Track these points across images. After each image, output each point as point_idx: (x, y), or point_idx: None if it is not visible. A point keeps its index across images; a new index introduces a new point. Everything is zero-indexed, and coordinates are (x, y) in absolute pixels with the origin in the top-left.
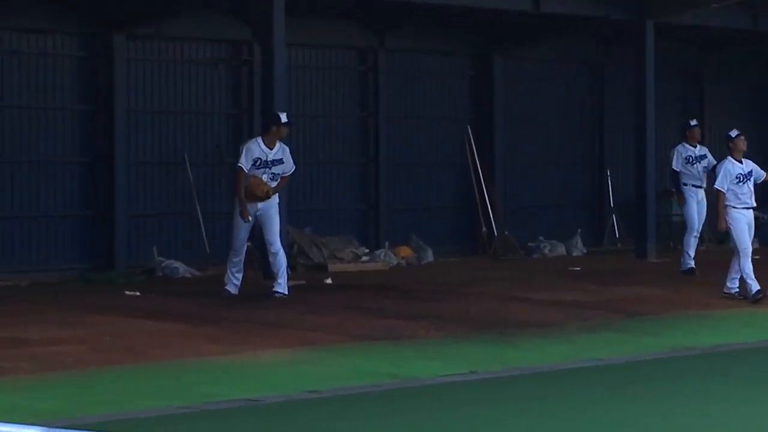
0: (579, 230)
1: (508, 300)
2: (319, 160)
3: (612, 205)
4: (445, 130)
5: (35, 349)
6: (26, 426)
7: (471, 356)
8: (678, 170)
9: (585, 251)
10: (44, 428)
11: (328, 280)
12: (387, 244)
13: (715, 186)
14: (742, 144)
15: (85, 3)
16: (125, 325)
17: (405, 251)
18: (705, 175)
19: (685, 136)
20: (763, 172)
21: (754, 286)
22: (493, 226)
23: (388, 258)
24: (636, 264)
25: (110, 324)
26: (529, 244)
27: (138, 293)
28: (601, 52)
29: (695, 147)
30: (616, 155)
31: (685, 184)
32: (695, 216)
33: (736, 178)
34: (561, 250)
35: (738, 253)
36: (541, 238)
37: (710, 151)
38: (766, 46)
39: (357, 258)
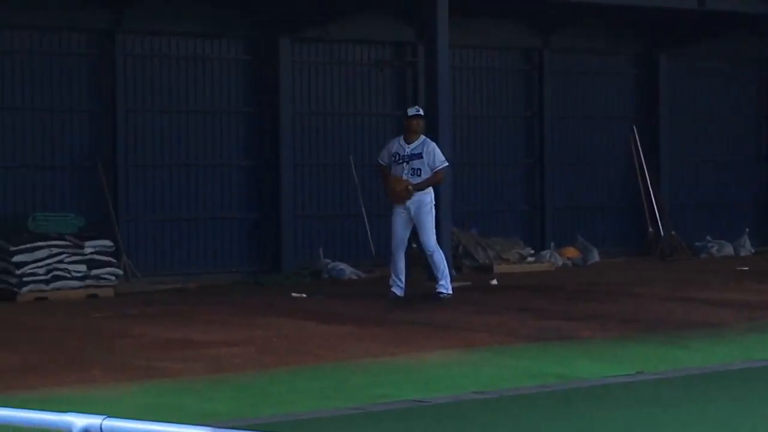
0: (747, 230)
1: (675, 300)
2: (484, 161)
3: None
4: (610, 129)
5: (204, 351)
6: (195, 426)
7: (638, 357)
8: None
9: (753, 251)
10: (213, 428)
11: (494, 281)
12: (552, 244)
13: None
14: None
15: (251, 7)
16: (293, 327)
17: (571, 252)
18: None
19: None
20: None
21: None
22: (660, 226)
23: (553, 259)
24: None
25: (278, 326)
26: (696, 244)
27: (304, 295)
28: (767, 48)
29: None
30: None
31: None
32: None
33: None
34: (729, 250)
35: None
36: (709, 238)
37: None
38: None
39: (522, 259)
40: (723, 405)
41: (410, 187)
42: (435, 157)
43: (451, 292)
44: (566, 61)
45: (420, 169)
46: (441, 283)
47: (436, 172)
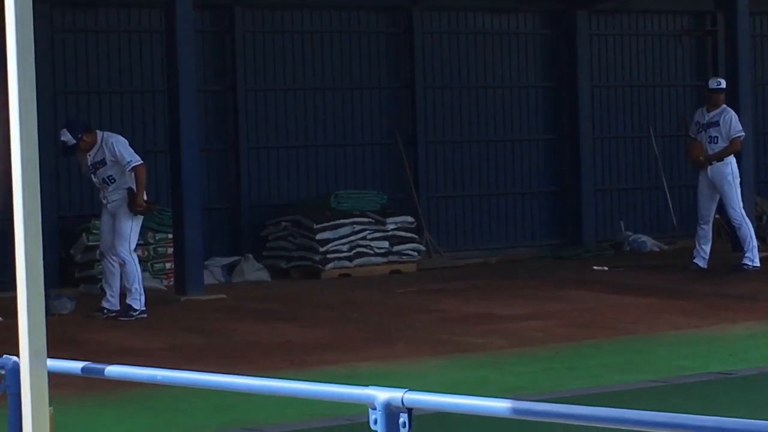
0: None
1: None
2: None
3: None
4: None
5: (506, 325)
6: (498, 399)
7: None
8: None
9: None
10: (517, 402)
11: None
12: None
13: None
14: None
15: None
16: (594, 300)
17: None
18: None
19: None
20: None
21: None
22: None
23: None
24: None
25: (579, 299)
26: None
27: (606, 268)
28: None
29: None
30: None
31: None
32: None
33: None
34: None
35: None
36: None
37: None
38: None
39: None
40: None
41: (702, 158)
42: (732, 126)
43: (757, 264)
44: None
45: (717, 137)
46: (747, 255)
47: (732, 141)
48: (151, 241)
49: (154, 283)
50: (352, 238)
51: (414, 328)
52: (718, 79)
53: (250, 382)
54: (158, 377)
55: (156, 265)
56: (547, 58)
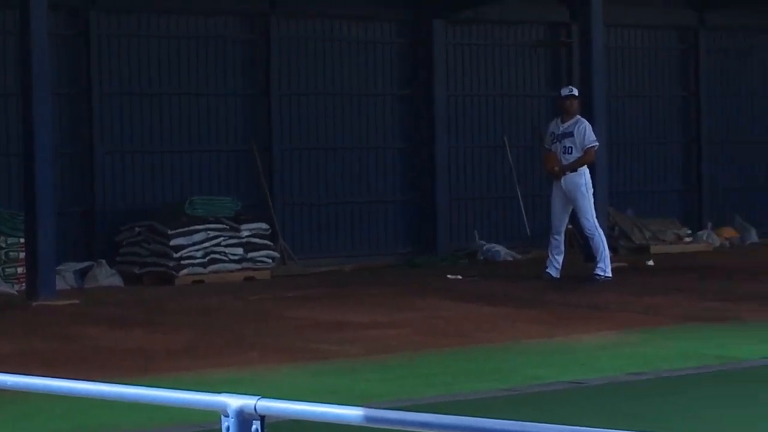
0: None
1: None
2: (639, 140)
3: None
4: None
5: (361, 332)
6: (351, 407)
7: None
8: None
9: None
10: (369, 409)
11: (650, 262)
12: (710, 224)
13: None
14: None
15: None
16: (448, 309)
17: (728, 232)
18: None
19: None
20: None
21: None
22: None
23: (711, 239)
24: None
25: (434, 307)
26: None
27: (460, 277)
28: None
29: None
30: None
31: None
32: None
33: None
34: None
35: None
36: None
37: None
38: None
39: (679, 239)
40: None
41: (556, 168)
42: (586, 136)
43: (609, 275)
44: (722, 39)
45: (571, 147)
46: (599, 265)
47: (585, 151)
48: (3, 245)
49: (6, 288)
50: (206, 244)
51: (268, 335)
52: (570, 87)
53: (100, 388)
54: (8, 383)
55: (8, 269)
56: (404, 66)
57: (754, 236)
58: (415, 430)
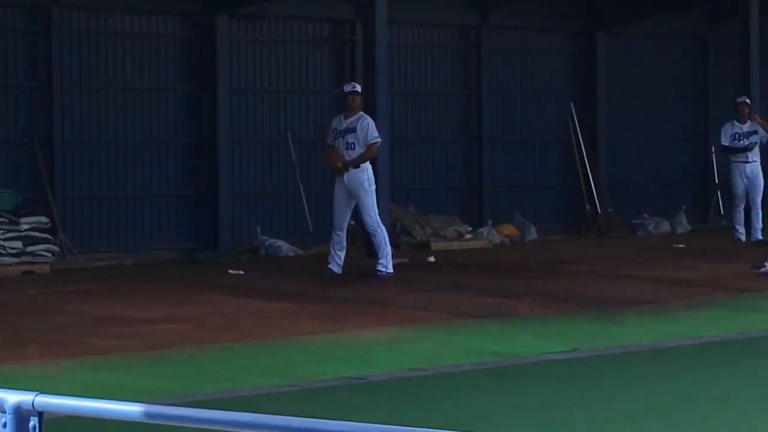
0: (683, 207)
1: (612, 278)
2: (422, 138)
3: (716, 182)
4: (548, 107)
5: (140, 328)
6: (130, 403)
7: (575, 334)
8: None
9: (690, 228)
10: (148, 405)
11: (431, 259)
12: (490, 222)
13: None
14: None
15: None
16: (230, 304)
17: (508, 229)
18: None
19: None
20: None
21: None
22: (597, 203)
23: (491, 236)
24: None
25: (215, 303)
26: (633, 221)
27: (242, 272)
28: (705, 27)
29: (743, 124)
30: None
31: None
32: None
33: None
34: (665, 227)
35: None
36: (646, 215)
37: None
38: None
39: (460, 236)
40: (658, 382)
41: (339, 164)
42: (368, 132)
43: (391, 270)
44: (504, 39)
45: (354, 143)
46: (381, 261)
47: (368, 147)
48: None
49: None
50: None
51: (47, 329)
52: (353, 83)
53: None
54: None
55: None
56: (188, 61)
57: (533, 233)
58: (195, 426)
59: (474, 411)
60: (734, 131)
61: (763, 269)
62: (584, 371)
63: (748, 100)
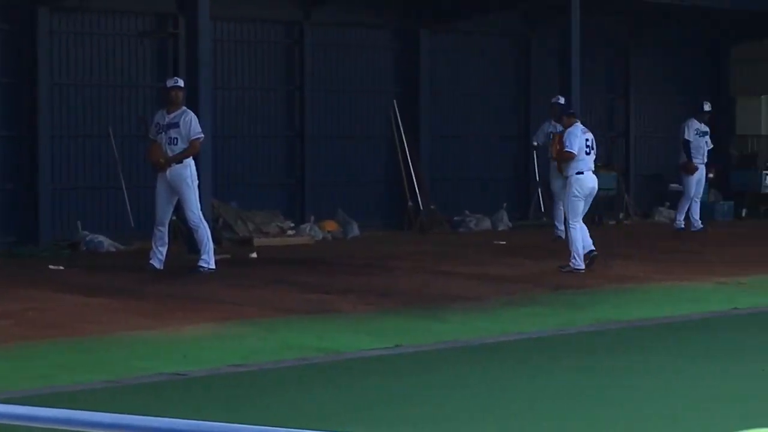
0: (505, 204)
1: (434, 274)
2: (245, 133)
3: (537, 179)
4: (372, 104)
5: None
6: None
7: (397, 330)
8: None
9: (511, 225)
10: None
11: (254, 255)
12: (313, 218)
13: None
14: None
15: None
16: (50, 300)
17: (331, 225)
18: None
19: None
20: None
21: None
22: (419, 200)
23: (313, 232)
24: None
25: (35, 298)
26: (455, 218)
27: (62, 267)
28: (528, 26)
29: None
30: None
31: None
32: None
33: None
34: (487, 224)
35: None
36: (467, 212)
37: (632, 125)
38: (693, 21)
39: (283, 232)
40: (480, 378)
41: (162, 160)
42: (191, 127)
43: (213, 266)
44: (328, 35)
45: (177, 138)
46: (203, 257)
47: (191, 142)
48: None
49: None
50: None
51: None
52: (176, 78)
53: None
54: None
55: None
56: (7, 54)
57: (355, 230)
58: (8, 423)
59: (297, 407)
60: (549, 131)
61: (567, 268)
62: (406, 367)
63: (562, 100)
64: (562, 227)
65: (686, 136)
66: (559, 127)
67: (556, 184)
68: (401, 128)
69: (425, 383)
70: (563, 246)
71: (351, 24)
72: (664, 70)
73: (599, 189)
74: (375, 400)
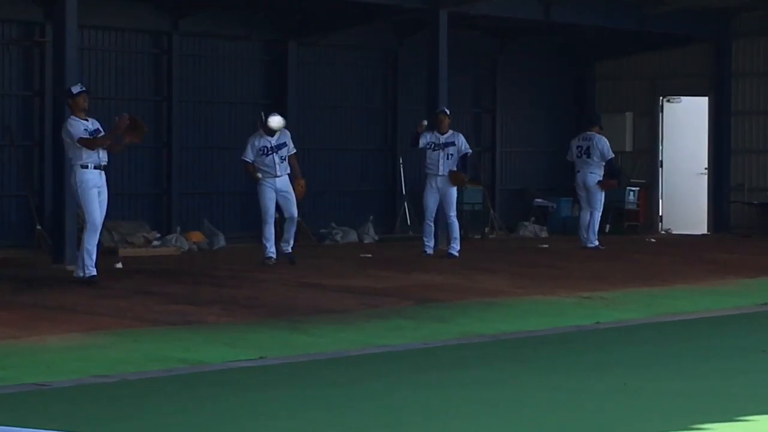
0: (371, 217)
1: (299, 286)
2: None
3: (404, 192)
4: (240, 115)
5: None
6: None
7: (261, 342)
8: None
9: (377, 238)
10: None
11: (119, 265)
12: (179, 228)
13: None
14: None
15: None
16: None
17: (197, 236)
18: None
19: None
20: None
21: None
22: None
23: (179, 243)
24: None
25: None
26: (321, 230)
27: None
28: (396, 40)
29: (442, 134)
30: (408, 143)
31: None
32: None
33: None
34: (353, 236)
35: None
36: (333, 224)
37: (498, 139)
38: (558, 36)
39: (148, 242)
40: (339, 390)
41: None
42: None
43: (90, 274)
44: (196, 46)
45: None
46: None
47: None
48: None
49: None
50: None
51: None
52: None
53: None
54: None
55: None
56: None
57: (222, 241)
58: None
59: (162, 419)
60: (431, 141)
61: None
62: (269, 379)
63: (447, 110)
64: (431, 243)
65: (611, 154)
66: (443, 138)
67: (429, 199)
68: None
69: (289, 396)
70: (432, 261)
71: (220, 35)
72: (531, 86)
73: (464, 203)
74: (240, 413)
